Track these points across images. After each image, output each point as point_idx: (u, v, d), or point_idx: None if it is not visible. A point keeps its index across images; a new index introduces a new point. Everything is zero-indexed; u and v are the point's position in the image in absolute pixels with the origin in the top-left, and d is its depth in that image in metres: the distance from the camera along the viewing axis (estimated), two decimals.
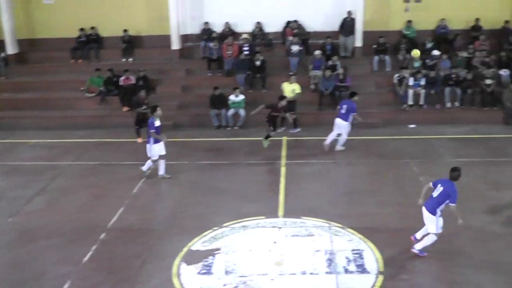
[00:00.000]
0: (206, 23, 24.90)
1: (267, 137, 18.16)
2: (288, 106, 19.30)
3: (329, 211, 13.57)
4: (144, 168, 15.82)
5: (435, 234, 11.11)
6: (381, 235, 12.26)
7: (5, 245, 12.43)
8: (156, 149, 15.42)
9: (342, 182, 16.06)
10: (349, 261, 11.18)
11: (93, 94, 22.71)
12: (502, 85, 22.31)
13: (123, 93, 22.10)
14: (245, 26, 24.99)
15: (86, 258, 11.52)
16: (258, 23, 24.85)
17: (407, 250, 11.53)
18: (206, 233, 12.40)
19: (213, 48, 23.74)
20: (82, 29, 25.45)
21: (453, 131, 20.33)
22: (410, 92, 21.84)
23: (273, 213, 13.42)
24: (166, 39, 24.77)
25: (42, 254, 11.86)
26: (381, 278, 10.61)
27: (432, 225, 11.08)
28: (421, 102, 21.92)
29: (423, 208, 11.19)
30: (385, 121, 20.84)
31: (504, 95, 21.56)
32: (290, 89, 20.33)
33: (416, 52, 18.89)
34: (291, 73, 21.79)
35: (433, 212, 10.97)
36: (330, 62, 22.63)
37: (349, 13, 24.09)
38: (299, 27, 24.68)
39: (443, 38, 24.83)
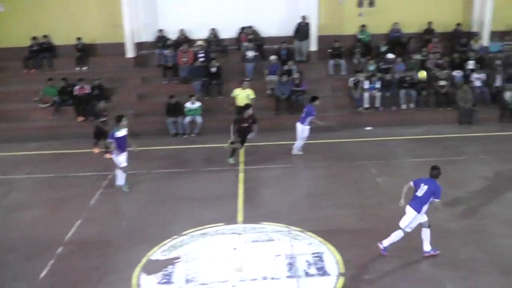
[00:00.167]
0: (161, 30, 24.73)
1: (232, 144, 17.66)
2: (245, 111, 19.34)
3: (288, 215, 13.62)
4: (119, 182, 15.51)
5: (403, 231, 11.30)
6: (340, 237, 12.37)
7: None
8: (121, 159, 15.14)
9: (300, 186, 16.09)
10: (309, 264, 11.22)
11: (47, 105, 22.25)
12: (455, 86, 22.79)
13: (78, 103, 21.79)
14: (200, 33, 24.89)
15: (43, 274, 11.27)
16: (213, 29, 24.81)
17: (367, 251, 11.68)
18: (165, 242, 12.29)
19: (168, 56, 23.63)
20: (34, 38, 24.80)
21: (409, 132, 20.67)
22: (366, 95, 22.10)
23: (232, 220, 13.39)
24: (120, 47, 24.47)
25: None
26: (342, 279, 10.68)
27: (406, 221, 11.26)
28: (377, 104, 22.23)
29: (408, 207, 11.34)
30: (342, 124, 21.05)
31: (458, 95, 22.03)
32: (244, 95, 20.27)
33: (422, 73, 18.94)
34: (247, 79, 21.77)
35: (419, 210, 11.17)
36: (285, 67, 22.75)
37: (304, 18, 24.22)
38: (254, 32, 24.75)
39: (397, 41, 25.25)
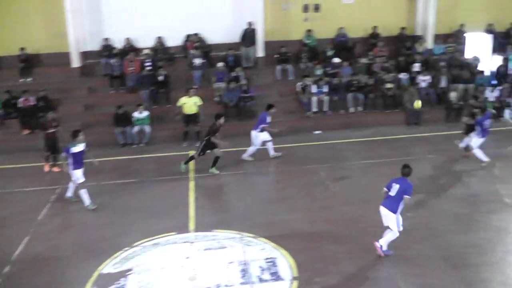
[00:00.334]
0: (106, 39, 24.36)
1: (216, 162, 17.32)
2: (193, 119, 19.28)
3: (240, 222, 13.64)
4: (86, 203, 14.90)
5: (397, 232, 11.51)
6: (293, 241, 12.45)
7: None
8: (78, 175, 14.68)
9: (251, 192, 16.08)
10: (263, 270, 11.25)
11: None
12: (402, 88, 23.26)
13: (23, 115, 21.29)
14: (146, 41, 24.59)
15: None
16: (159, 37, 24.60)
17: (319, 253, 11.85)
18: (117, 254, 12.13)
19: (115, 65, 23.31)
20: None
21: (357, 135, 20.99)
22: (314, 99, 22.29)
23: (184, 228, 13.32)
24: (65, 56, 23.96)
25: None
26: (295, 283, 10.76)
27: (392, 223, 11.46)
28: (325, 108, 22.45)
29: (382, 208, 11.56)
30: (291, 128, 21.17)
31: (404, 97, 22.48)
32: (192, 102, 20.15)
33: (418, 103, 18.99)
34: (195, 87, 21.70)
35: (394, 210, 11.40)
36: (233, 74, 22.78)
37: (250, 24, 24.29)
38: (200, 40, 24.67)
39: (343, 46, 25.55)
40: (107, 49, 24.16)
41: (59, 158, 14.79)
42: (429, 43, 26.14)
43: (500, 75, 24.35)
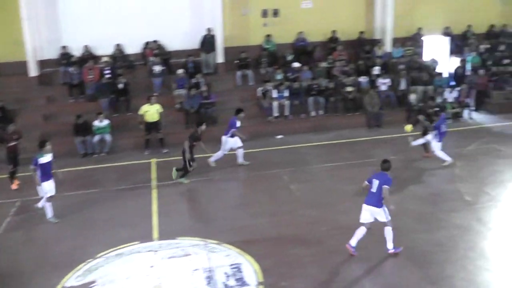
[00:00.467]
0: (64, 47, 23.97)
1: (182, 170, 16.94)
2: (155, 127, 19.12)
3: (204, 228, 13.60)
4: (49, 215, 14.51)
5: (388, 223, 11.64)
6: (257, 246, 12.45)
7: None
8: (46, 187, 14.30)
9: (215, 198, 15.97)
10: (228, 276, 11.20)
11: None
12: (362, 91, 23.46)
13: None
14: (105, 49, 24.28)
15: None
16: (118, 45, 24.35)
17: (284, 258, 11.85)
18: (79, 266, 11.90)
19: (74, 73, 22.94)
20: None
21: (319, 138, 21.08)
22: (275, 104, 22.33)
23: (147, 237, 13.17)
24: (22, 65, 23.46)
25: None
26: None
27: (381, 215, 11.62)
28: (286, 113, 22.51)
29: (365, 206, 11.78)
30: (253, 134, 21.05)
31: (365, 100, 22.69)
32: (154, 110, 20.01)
33: (408, 127, 18.88)
34: (155, 94, 21.56)
35: (378, 205, 11.61)
36: (193, 80, 22.67)
37: (209, 30, 24.23)
38: (159, 47, 24.50)
39: (302, 50, 25.68)
40: (65, 57, 23.79)
41: (18, 172, 14.26)
42: (387, 47, 26.48)
43: (458, 76, 24.78)
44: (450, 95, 23.43)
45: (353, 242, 11.79)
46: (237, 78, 24.28)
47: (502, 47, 27.44)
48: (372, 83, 23.90)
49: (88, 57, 23.74)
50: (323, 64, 24.64)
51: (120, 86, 22.21)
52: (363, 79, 24.12)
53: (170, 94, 22.64)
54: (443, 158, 17.50)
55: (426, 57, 26.34)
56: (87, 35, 23.99)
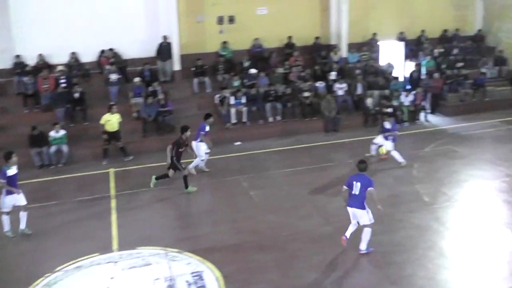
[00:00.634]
0: (18, 56, 23.51)
1: (186, 179, 16.53)
2: (115, 136, 18.92)
3: (164, 237, 13.46)
4: (5, 229, 14.03)
5: (370, 226, 11.91)
6: (218, 253, 12.42)
7: None
8: (7, 201, 13.83)
9: (175, 206, 15.89)
10: (189, 284, 11.13)
11: None
12: (319, 96, 23.61)
13: None
14: (60, 58, 23.89)
15: None
16: (73, 53, 24.00)
17: (245, 264, 11.85)
18: (38, 282, 11.61)
19: (28, 83, 22.46)
20: None
21: (277, 144, 21.16)
22: (233, 110, 22.32)
23: (107, 248, 12.97)
24: None
25: None
26: None
27: (364, 218, 11.78)
28: (244, 119, 22.53)
29: (349, 208, 11.99)
30: (211, 141, 21.00)
31: (322, 105, 22.85)
32: (115, 119, 19.80)
33: (382, 149, 18.71)
34: (112, 103, 21.30)
35: (362, 207, 11.82)
36: (150, 88, 22.50)
37: (165, 37, 24.09)
38: (116, 55, 24.26)
39: (259, 56, 25.76)
40: (19, 67, 23.29)
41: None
42: (343, 52, 26.76)
43: (413, 80, 25.21)
44: (406, 99, 23.76)
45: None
46: (194, 85, 24.17)
47: (455, 51, 28.15)
48: (329, 88, 24.13)
49: (43, 66, 23.34)
50: (280, 70, 24.78)
51: (76, 95, 21.87)
52: (319, 84, 24.31)
53: (127, 103, 22.40)
54: (398, 160, 17.84)
55: (382, 61, 26.79)
56: (41, 44, 23.54)
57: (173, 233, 13.78)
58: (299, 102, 23.31)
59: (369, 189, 11.71)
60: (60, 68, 23.35)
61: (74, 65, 23.94)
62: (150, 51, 24.31)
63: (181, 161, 16.51)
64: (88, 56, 24.46)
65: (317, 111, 23.11)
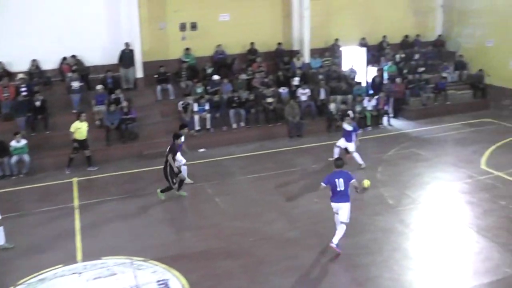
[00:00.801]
0: None
1: (167, 188, 16.42)
2: (84, 144, 18.73)
3: (129, 246, 13.31)
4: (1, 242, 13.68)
5: (346, 223, 12.31)
6: (184, 261, 12.36)
7: None
8: None
9: (139, 214, 15.63)
10: None
11: None
12: (282, 102, 23.67)
13: None
14: (20, 65, 23.39)
15: None
16: (34, 60, 23.54)
17: (212, 271, 11.84)
18: None
19: None
20: None
21: (241, 150, 21.17)
22: (196, 117, 22.25)
23: (71, 259, 12.75)
24: None
25: None
26: None
27: (345, 213, 12.33)
28: (208, 126, 22.47)
29: (334, 204, 12.39)
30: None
31: (286, 110, 22.94)
32: (85, 127, 19.48)
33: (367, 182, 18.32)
34: (74, 111, 21.05)
35: (347, 200, 12.31)
36: (113, 96, 22.24)
37: (127, 44, 23.86)
38: (78, 62, 23.93)
39: (222, 63, 25.75)
40: None
41: None
42: (306, 58, 26.89)
43: (376, 85, 25.49)
44: (369, 103, 24.00)
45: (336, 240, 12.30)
46: (157, 92, 24.01)
47: (416, 56, 28.56)
48: (292, 94, 24.21)
49: (3, 74, 22.82)
50: (243, 76, 24.79)
51: (37, 103, 21.45)
52: (283, 90, 24.40)
53: (89, 111, 22.07)
54: (358, 161, 18.16)
55: (344, 67, 27.03)
56: (0, 51, 23.01)
57: (139, 242, 13.59)
58: (263, 108, 23.34)
59: (351, 181, 12.17)
60: (20, 76, 22.89)
61: (35, 73, 23.48)
62: (112, 58, 24.00)
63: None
64: (49, 63, 24.00)
65: (281, 116, 23.18)
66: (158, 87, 24.03)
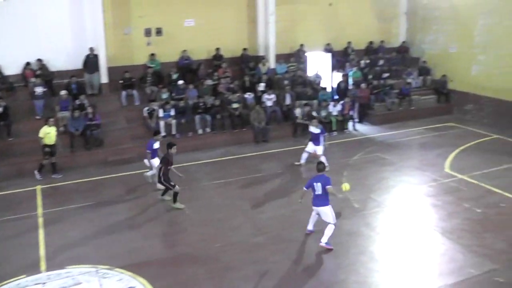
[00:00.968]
0: None
1: (175, 196, 15.99)
2: (53, 149, 18.47)
3: (94, 254, 13.14)
4: None
5: (333, 223, 12.70)
6: (150, 268, 12.26)
7: None
8: None
9: (104, 222, 15.35)
10: None
11: None
12: (248, 107, 23.67)
13: None
14: None
15: None
16: None
17: (178, 277, 11.80)
18: None
19: None
20: None
21: (207, 156, 21.10)
22: (162, 123, 22.09)
23: (34, 269, 12.49)
24: None
25: None
26: None
27: (328, 215, 12.71)
28: (173, 132, 22.34)
29: (314, 207, 12.93)
30: (140, 155, 20.44)
31: (251, 116, 22.93)
32: (54, 132, 19.13)
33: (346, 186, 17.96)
34: (38, 117, 20.73)
35: (326, 203, 12.68)
36: (77, 102, 21.97)
37: (92, 49, 23.56)
38: (43, 67, 23.54)
39: (187, 68, 25.63)
40: None
41: None
42: (271, 63, 26.95)
43: (341, 90, 25.68)
44: (334, 109, 24.14)
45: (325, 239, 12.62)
46: (122, 98, 23.78)
47: (381, 62, 28.85)
48: (258, 99, 24.23)
49: None
50: (208, 82, 24.70)
51: (0, 109, 21.11)
52: (248, 96, 24.40)
53: (53, 117, 21.73)
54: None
55: (310, 72, 27.16)
56: None
57: (104, 250, 13.42)
58: (229, 114, 23.30)
59: (327, 187, 12.44)
60: None
61: None
62: (76, 63, 23.63)
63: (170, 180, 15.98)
64: (12, 68, 23.44)
65: (247, 122, 23.17)
66: (123, 93, 23.80)
